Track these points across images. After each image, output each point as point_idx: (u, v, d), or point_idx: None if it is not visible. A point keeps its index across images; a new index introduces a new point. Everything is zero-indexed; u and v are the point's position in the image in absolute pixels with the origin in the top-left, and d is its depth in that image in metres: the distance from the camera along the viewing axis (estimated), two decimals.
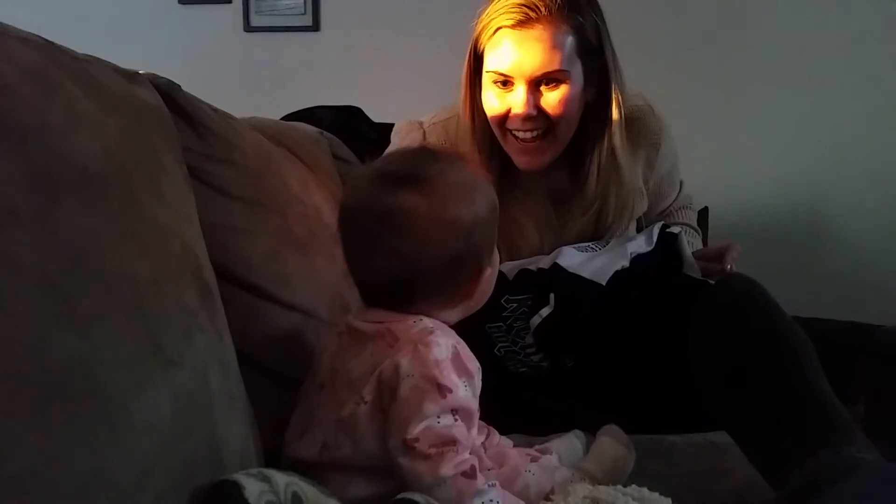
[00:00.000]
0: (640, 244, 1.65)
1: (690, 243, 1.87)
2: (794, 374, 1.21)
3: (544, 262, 1.65)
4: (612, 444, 1.28)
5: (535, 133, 1.64)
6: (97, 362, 0.78)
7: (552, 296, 1.59)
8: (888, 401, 1.34)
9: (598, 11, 1.65)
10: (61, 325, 0.76)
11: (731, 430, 1.26)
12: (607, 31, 1.66)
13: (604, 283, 1.58)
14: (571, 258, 1.63)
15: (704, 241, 2.14)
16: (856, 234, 2.97)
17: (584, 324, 1.59)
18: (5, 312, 0.71)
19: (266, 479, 0.87)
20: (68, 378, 0.74)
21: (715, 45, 2.97)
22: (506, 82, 1.62)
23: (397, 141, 1.85)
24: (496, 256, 1.18)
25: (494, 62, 1.61)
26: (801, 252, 2.97)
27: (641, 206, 1.86)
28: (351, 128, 2.26)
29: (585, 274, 1.59)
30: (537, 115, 1.62)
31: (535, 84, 1.60)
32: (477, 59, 1.68)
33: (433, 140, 1.79)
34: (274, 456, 1.10)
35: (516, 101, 1.61)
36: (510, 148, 1.69)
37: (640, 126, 1.80)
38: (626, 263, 1.61)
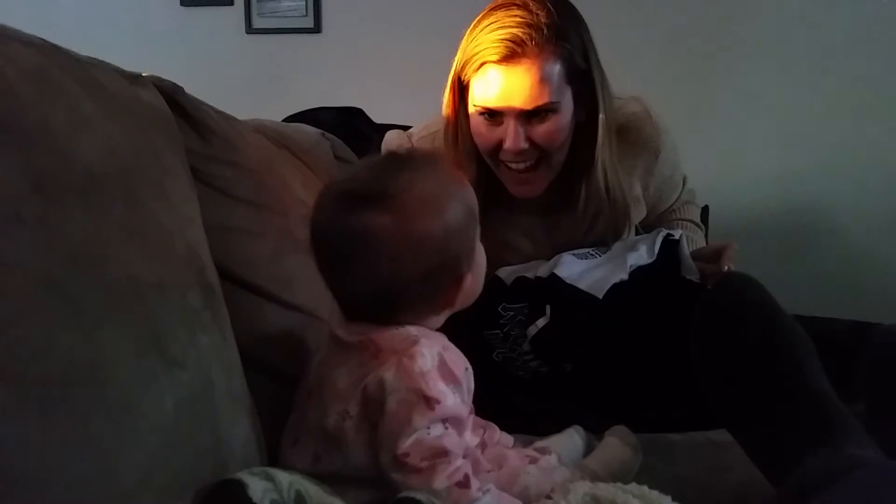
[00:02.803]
0: (642, 255, 1.62)
1: (692, 239, 1.86)
2: (795, 373, 1.21)
3: (542, 269, 1.63)
4: (618, 444, 1.28)
5: (527, 164, 1.60)
6: (101, 363, 0.79)
7: (548, 307, 1.58)
8: (888, 399, 1.35)
9: (584, 29, 1.59)
10: (66, 326, 0.76)
11: (732, 429, 1.26)
12: (593, 46, 1.59)
13: (600, 297, 1.55)
14: (570, 268, 1.61)
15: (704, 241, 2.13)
16: (856, 232, 2.96)
17: (581, 335, 1.58)
18: (10, 313, 0.72)
19: (270, 478, 0.87)
20: (72, 379, 0.75)
21: (714, 43, 2.97)
22: (494, 114, 1.56)
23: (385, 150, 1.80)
24: (479, 258, 1.15)
25: (481, 96, 1.56)
26: (801, 250, 2.96)
27: (638, 215, 1.83)
28: (353, 129, 2.26)
29: (583, 286, 1.57)
30: (529, 147, 1.57)
31: (525, 117, 1.55)
32: (461, 88, 1.62)
33: None
34: (276, 455, 1.10)
35: (506, 135, 1.56)
36: (504, 178, 1.65)
37: (637, 135, 1.75)
38: (626, 276, 1.58)
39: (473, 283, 1.13)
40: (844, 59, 2.91)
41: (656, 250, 1.62)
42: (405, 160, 1.12)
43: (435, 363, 1.01)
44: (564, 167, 1.66)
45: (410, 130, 1.83)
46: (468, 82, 1.59)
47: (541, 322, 1.58)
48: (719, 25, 2.96)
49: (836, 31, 2.91)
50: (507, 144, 1.56)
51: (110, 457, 0.76)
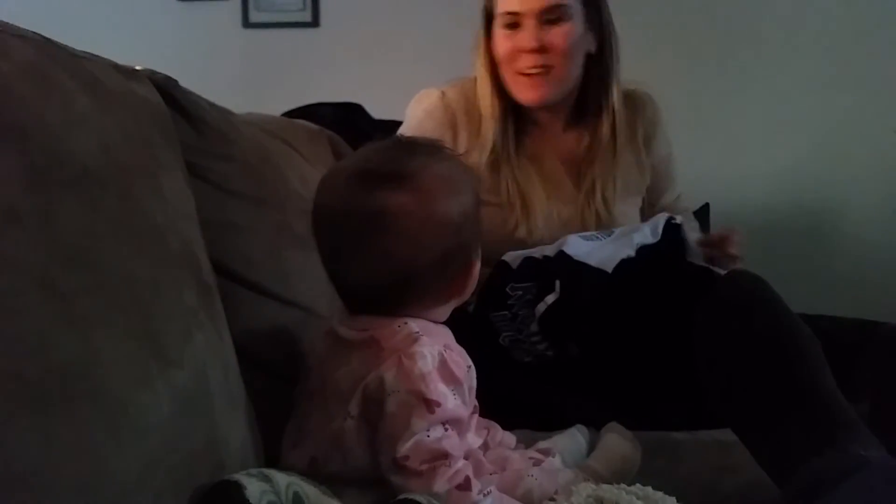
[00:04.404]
0: (646, 235, 1.65)
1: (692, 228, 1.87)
2: (800, 372, 1.21)
3: (549, 249, 1.66)
4: (618, 441, 1.27)
5: (539, 68, 1.75)
6: (97, 362, 0.78)
7: (557, 283, 1.59)
8: (893, 398, 1.35)
9: None
10: (61, 324, 0.76)
11: (737, 428, 1.26)
12: None
13: (609, 271, 1.58)
14: (577, 247, 1.64)
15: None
16: (860, 230, 2.96)
17: (590, 311, 1.58)
18: (5, 312, 0.71)
19: (267, 479, 0.87)
20: (68, 378, 0.74)
21: (717, 40, 2.97)
22: (515, 24, 1.75)
23: (415, 106, 1.90)
24: (479, 248, 1.14)
25: (504, 4, 1.76)
26: (805, 249, 2.96)
27: (644, 180, 1.94)
28: (352, 125, 2.25)
29: (591, 262, 1.60)
30: (542, 48, 1.73)
31: (541, 21, 1.73)
32: (488, 21, 1.81)
33: (451, 96, 1.85)
34: (274, 455, 1.10)
35: (524, 34, 1.74)
36: (517, 87, 1.79)
37: (637, 102, 1.92)
38: (632, 253, 1.60)
39: (478, 271, 1.13)
40: (847, 57, 2.91)
41: (660, 231, 1.66)
42: (414, 144, 1.12)
43: (436, 364, 0.99)
44: (583, 106, 1.85)
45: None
46: (493, 6, 1.79)
47: (550, 298, 1.59)
48: (724, 25, 2.96)
49: (840, 30, 2.91)
50: (525, 42, 1.74)
51: (106, 457, 0.75)
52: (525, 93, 1.79)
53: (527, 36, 1.74)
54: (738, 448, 1.25)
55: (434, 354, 1.00)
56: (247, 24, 3.15)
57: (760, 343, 1.25)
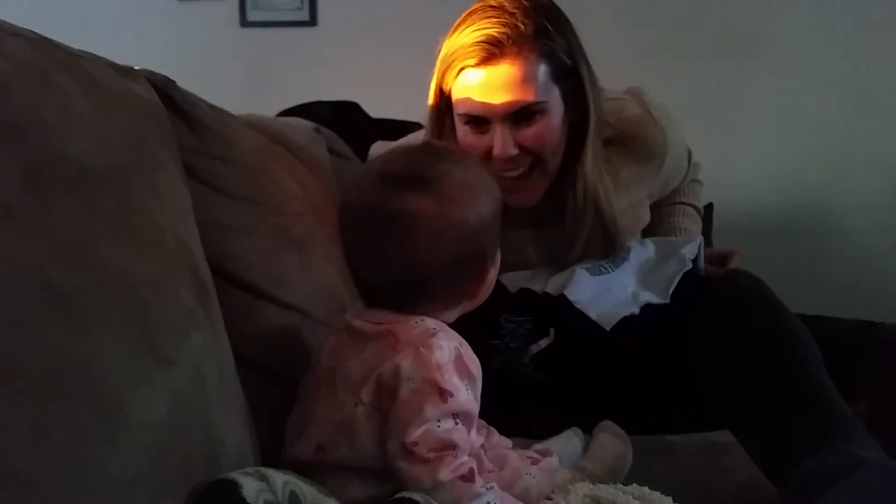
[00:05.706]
0: (657, 292, 1.56)
1: (689, 230, 1.85)
2: (797, 372, 1.21)
3: (552, 284, 1.58)
4: (610, 440, 1.29)
5: (521, 170, 1.52)
6: (94, 361, 0.78)
7: (552, 330, 1.55)
8: (891, 398, 1.35)
9: (567, 25, 1.52)
10: (58, 323, 0.76)
11: (734, 428, 1.26)
12: (578, 42, 1.52)
13: (608, 329, 1.51)
14: (582, 289, 1.55)
15: (707, 237, 2.12)
16: (859, 231, 2.96)
17: (583, 361, 1.55)
18: (2, 310, 0.71)
19: (263, 478, 0.87)
20: (65, 376, 0.74)
21: (718, 42, 2.96)
22: (479, 121, 1.49)
23: None
24: (498, 255, 1.17)
25: (464, 105, 1.49)
26: (805, 249, 2.96)
27: (644, 221, 1.75)
28: (348, 123, 2.25)
29: (592, 314, 1.52)
30: (520, 153, 1.49)
31: (512, 120, 1.47)
32: (444, 97, 1.54)
33: None
34: (271, 455, 1.10)
35: (494, 142, 1.48)
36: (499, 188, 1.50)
37: (642, 143, 1.66)
38: (636, 311, 1.54)
39: (494, 278, 1.16)
40: (849, 59, 2.90)
41: (672, 289, 1.56)
42: (442, 150, 1.16)
43: (452, 357, 1.02)
44: (557, 174, 1.58)
45: (398, 141, 1.77)
46: (450, 92, 1.52)
47: (543, 342, 1.56)
48: (725, 27, 2.96)
49: (840, 32, 2.90)
50: (496, 151, 1.47)
51: (103, 456, 0.76)
52: (509, 196, 1.43)
53: (497, 142, 1.47)
54: (733, 448, 1.25)
55: (451, 348, 1.03)
56: (244, 23, 3.14)
57: (757, 342, 1.25)
